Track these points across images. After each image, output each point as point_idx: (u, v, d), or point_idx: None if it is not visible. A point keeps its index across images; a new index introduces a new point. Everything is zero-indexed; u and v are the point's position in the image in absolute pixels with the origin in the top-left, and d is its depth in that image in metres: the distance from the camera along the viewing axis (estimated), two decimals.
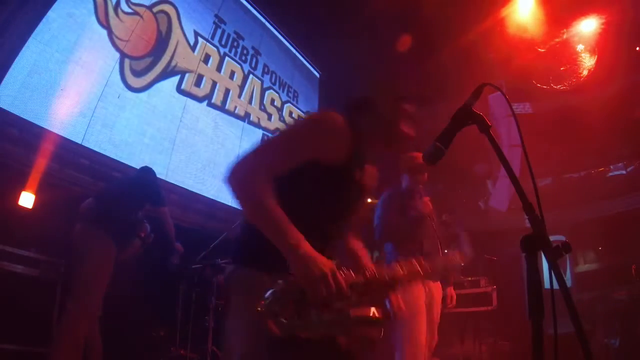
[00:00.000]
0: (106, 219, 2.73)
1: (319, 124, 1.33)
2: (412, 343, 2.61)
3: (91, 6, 3.83)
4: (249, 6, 6.03)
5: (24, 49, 3.26)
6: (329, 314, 1.17)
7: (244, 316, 1.23)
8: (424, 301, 2.73)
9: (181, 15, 4.78)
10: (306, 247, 1.12)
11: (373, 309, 1.27)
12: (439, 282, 2.92)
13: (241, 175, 1.22)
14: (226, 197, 4.97)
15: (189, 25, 4.88)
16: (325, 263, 1.11)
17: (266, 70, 6.16)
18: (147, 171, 3.30)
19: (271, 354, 1.18)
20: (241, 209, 1.25)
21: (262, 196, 1.16)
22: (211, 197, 4.75)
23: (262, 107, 5.95)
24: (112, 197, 2.91)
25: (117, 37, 4.01)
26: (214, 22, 5.31)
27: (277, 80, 6.40)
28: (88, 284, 2.58)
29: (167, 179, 4.16)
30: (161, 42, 4.50)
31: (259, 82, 5.98)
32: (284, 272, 1.15)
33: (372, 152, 1.47)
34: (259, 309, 1.14)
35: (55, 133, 3.40)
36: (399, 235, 2.83)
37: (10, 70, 3.18)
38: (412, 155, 2.89)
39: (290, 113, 6.57)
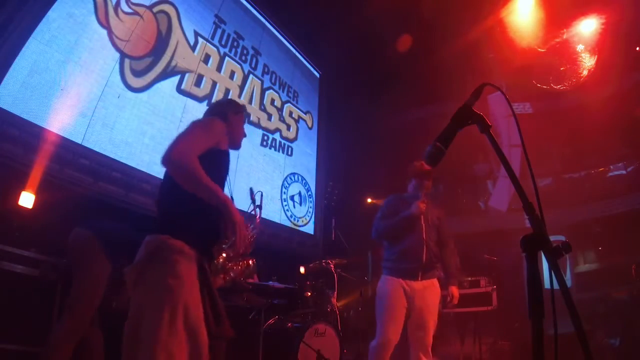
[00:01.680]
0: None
1: (215, 121, 1.87)
2: (378, 334, 2.87)
3: (91, 6, 3.83)
4: (249, 6, 6.03)
5: (24, 49, 3.26)
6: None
7: (180, 276, 1.55)
8: (402, 299, 2.89)
9: (181, 15, 4.78)
10: (230, 201, 1.66)
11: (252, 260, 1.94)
12: (435, 280, 2.99)
13: (179, 154, 1.60)
14: None
15: (189, 25, 4.88)
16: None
17: (266, 70, 6.16)
18: None
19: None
20: (179, 180, 1.64)
21: (197, 168, 1.59)
22: None
23: (262, 107, 5.95)
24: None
25: (117, 37, 4.01)
26: (214, 22, 5.31)
27: (277, 80, 6.40)
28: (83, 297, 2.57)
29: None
30: (161, 42, 4.50)
31: (259, 82, 5.98)
32: (204, 244, 1.66)
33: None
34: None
35: (55, 133, 3.40)
36: (387, 235, 3.04)
37: (10, 70, 3.17)
38: (419, 163, 3.06)
39: (290, 113, 6.57)
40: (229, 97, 5.36)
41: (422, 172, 3.02)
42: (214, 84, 5.15)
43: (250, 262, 1.94)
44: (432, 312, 2.90)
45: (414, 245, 2.93)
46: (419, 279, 2.91)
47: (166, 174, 1.79)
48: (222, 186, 1.85)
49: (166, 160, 1.60)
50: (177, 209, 1.71)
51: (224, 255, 1.72)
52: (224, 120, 1.93)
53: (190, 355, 1.51)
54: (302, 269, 4.59)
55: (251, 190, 2.42)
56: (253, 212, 2.12)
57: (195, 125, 1.80)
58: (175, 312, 1.49)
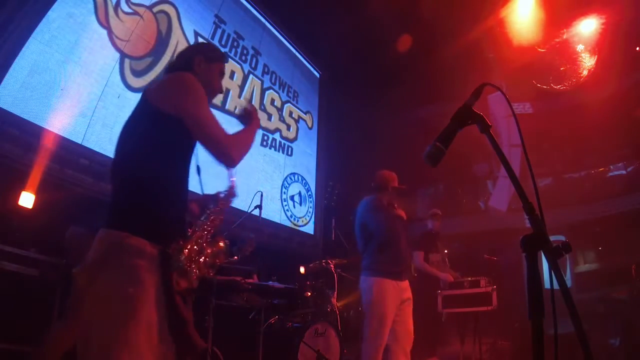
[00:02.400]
0: None
1: (194, 83, 1.53)
2: (375, 337, 2.84)
3: (91, 6, 3.83)
4: (249, 6, 6.03)
5: (24, 49, 3.26)
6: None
7: (142, 284, 1.29)
8: (396, 301, 2.95)
9: (181, 15, 4.78)
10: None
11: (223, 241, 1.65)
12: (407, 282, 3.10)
13: (228, 148, 1.52)
14: None
15: (189, 25, 4.88)
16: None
17: (266, 70, 6.16)
18: None
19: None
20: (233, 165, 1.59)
21: (238, 150, 1.59)
22: None
23: (262, 107, 5.95)
24: None
25: (117, 37, 4.01)
26: (214, 22, 5.31)
27: (277, 80, 6.40)
28: None
29: None
30: (161, 42, 4.50)
31: (259, 82, 5.98)
32: (164, 240, 1.38)
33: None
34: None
35: (55, 133, 3.40)
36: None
37: (10, 70, 3.18)
38: (395, 181, 3.24)
39: (290, 113, 6.57)
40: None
41: (402, 191, 3.21)
42: None
43: (221, 243, 1.63)
44: (411, 310, 3.04)
45: (402, 248, 3.07)
46: (403, 279, 3.05)
47: (122, 152, 1.52)
48: (192, 152, 1.58)
49: (229, 164, 1.58)
50: (138, 197, 1.40)
51: (186, 250, 1.45)
52: (192, 71, 1.60)
53: None
54: (302, 269, 4.58)
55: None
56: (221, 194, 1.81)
57: (194, 104, 1.49)
58: (138, 328, 1.23)
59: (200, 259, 1.52)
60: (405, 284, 3.04)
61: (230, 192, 1.83)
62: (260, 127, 1.77)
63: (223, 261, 1.65)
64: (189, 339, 1.40)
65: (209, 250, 1.56)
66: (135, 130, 1.51)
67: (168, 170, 1.47)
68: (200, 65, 1.65)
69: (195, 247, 1.49)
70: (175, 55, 1.78)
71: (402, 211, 3.19)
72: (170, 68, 1.74)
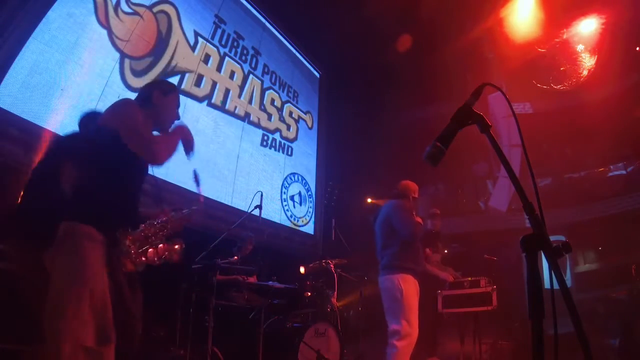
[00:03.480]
0: None
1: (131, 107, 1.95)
2: (406, 333, 3.03)
3: (91, 6, 3.83)
4: (249, 6, 6.03)
5: (24, 49, 3.26)
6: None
7: (85, 260, 1.63)
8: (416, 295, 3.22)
9: (181, 15, 4.78)
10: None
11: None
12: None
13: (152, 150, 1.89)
14: (226, 197, 4.97)
15: (189, 25, 4.88)
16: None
17: (266, 70, 6.16)
18: None
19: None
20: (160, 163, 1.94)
21: (154, 148, 1.92)
22: (211, 197, 4.75)
23: (262, 107, 5.95)
24: None
25: (117, 37, 4.01)
26: (214, 22, 5.31)
27: (277, 80, 6.40)
28: None
29: (167, 179, 4.16)
30: (161, 42, 4.50)
31: (259, 82, 5.98)
32: (113, 228, 1.73)
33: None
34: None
35: (55, 133, 3.40)
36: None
37: (10, 70, 3.17)
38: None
39: (290, 113, 6.57)
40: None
41: (417, 199, 3.49)
42: (214, 84, 5.15)
43: (177, 246, 1.98)
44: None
45: (420, 249, 3.38)
46: (418, 278, 3.30)
47: (65, 157, 2.02)
48: (126, 157, 1.86)
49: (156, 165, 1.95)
50: (89, 193, 1.77)
51: (130, 238, 1.78)
52: (146, 104, 1.98)
53: (97, 334, 1.57)
54: (302, 269, 4.59)
55: (194, 172, 2.34)
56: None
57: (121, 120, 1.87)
58: (81, 294, 1.56)
59: (149, 249, 1.86)
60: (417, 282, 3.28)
61: (188, 214, 2.13)
62: (185, 135, 2.04)
63: (176, 260, 1.97)
64: (128, 310, 1.75)
65: (161, 246, 1.90)
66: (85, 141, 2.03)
67: (108, 173, 1.81)
68: (158, 98, 2.03)
69: (142, 237, 1.83)
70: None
71: (420, 219, 3.42)
72: (136, 99, 2.08)
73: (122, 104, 1.94)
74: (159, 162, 1.92)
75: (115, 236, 1.74)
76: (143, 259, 1.83)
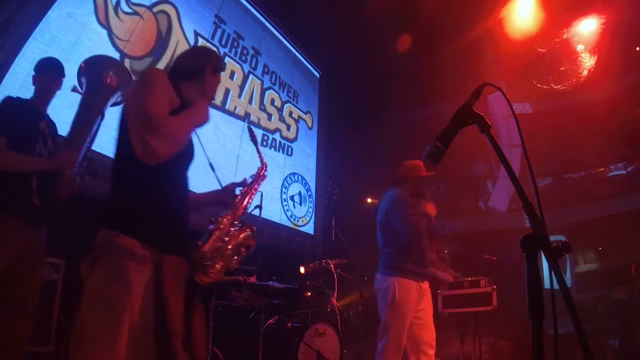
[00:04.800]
0: None
1: (149, 75, 1.52)
2: (395, 339, 2.74)
3: (91, 6, 3.83)
4: (249, 6, 6.03)
5: (23, 49, 3.26)
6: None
7: (126, 284, 1.25)
8: (416, 303, 2.85)
9: (181, 15, 4.78)
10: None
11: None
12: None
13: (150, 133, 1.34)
14: None
15: (189, 25, 4.87)
16: None
17: (266, 70, 6.16)
18: None
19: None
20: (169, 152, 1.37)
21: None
22: None
23: (262, 107, 5.95)
24: None
25: (117, 37, 4.01)
26: (214, 22, 5.31)
27: (277, 80, 6.40)
28: None
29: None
30: (161, 42, 4.50)
31: (259, 82, 5.98)
32: (164, 240, 1.36)
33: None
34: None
35: None
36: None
37: (10, 70, 3.17)
38: (418, 166, 3.00)
39: (290, 113, 6.57)
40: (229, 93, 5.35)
41: (422, 177, 2.95)
42: None
43: (248, 231, 1.64)
44: (432, 311, 2.95)
45: (425, 248, 2.94)
46: (423, 280, 2.94)
47: (117, 154, 1.50)
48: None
49: (148, 155, 1.37)
50: (126, 194, 1.39)
51: (205, 249, 1.42)
52: (190, 77, 1.63)
53: None
54: (302, 269, 4.59)
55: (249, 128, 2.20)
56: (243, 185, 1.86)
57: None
58: (118, 327, 1.21)
59: (226, 252, 1.52)
60: (426, 285, 2.94)
61: (258, 175, 1.89)
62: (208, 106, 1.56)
63: (253, 246, 1.66)
64: (173, 352, 1.30)
65: (234, 242, 1.57)
66: (118, 134, 1.54)
67: (149, 171, 1.35)
68: (209, 74, 1.65)
69: (217, 242, 1.49)
70: (176, 56, 1.73)
71: (431, 205, 2.94)
72: (178, 73, 1.62)
73: (142, 73, 1.58)
74: (156, 154, 1.31)
75: (173, 248, 1.38)
76: (219, 265, 1.48)
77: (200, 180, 1.94)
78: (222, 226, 1.54)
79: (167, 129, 1.32)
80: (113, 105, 2.36)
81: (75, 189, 2.39)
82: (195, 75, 1.61)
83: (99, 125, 2.33)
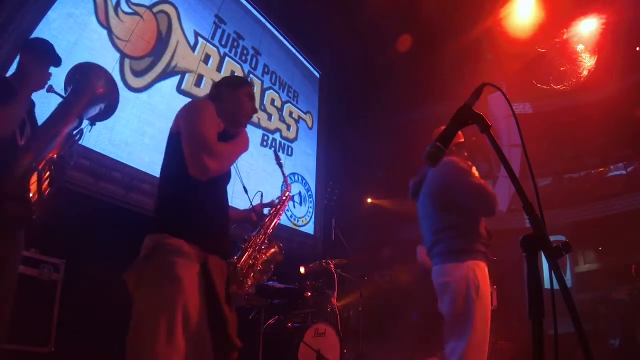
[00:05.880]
0: None
1: (198, 105, 1.74)
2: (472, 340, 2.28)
3: (91, 6, 3.83)
4: (249, 6, 6.03)
5: None
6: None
7: (178, 280, 1.40)
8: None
9: (181, 15, 4.78)
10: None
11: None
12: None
13: (204, 153, 1.57)
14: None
15: (189, 25, 4.88)
16: None
17: (266, 70, 6.16)
18: None
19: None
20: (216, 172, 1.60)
21: (217, 153, 1.61)
22: None
23: (262, 107, 5.95)
24: None
25: (117, 37, 4.01)
26: (214, 22, 5.31)
27: (277, 80, 6.40)
28: None
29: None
30: (161, 42, 4.50)
31: (259, 82, 5.98)
32: (208, 240, 1.54)
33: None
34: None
35: None
36: None
37: (10, 70, 3.17)
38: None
39: (290, 113, 6.57)
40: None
41: (464, 142, 2.51)
42: None
43: (276, 247, 1.90)
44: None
45: (484, 222, 2.48)
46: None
47: (164, 163, 1.69)
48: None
49: (201, 172, 1.56)
50: (175, 202, 1.58)
51: (239, 266, 1.63)
52: (216, 102, 1.79)
53: None
54: (302, 269, 4.59)
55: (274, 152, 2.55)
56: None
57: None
58: (174, 320, 1.34)
59: (257, 268, 1.72)
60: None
61: (284, 197, 2.11)
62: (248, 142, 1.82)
63: (280, 260, 1.89)
64: (228, 337, 1.49)
65: (263, 257, 1.78)
66: (166, 151, 1.71)
67: (196, 185, 1.55)
68: (226, 94, 1.87)
69: (250, 260, 1.69)
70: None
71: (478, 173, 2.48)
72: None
73: (191, 105, 1.73)
74: (208, 172, 1.53)
75: (215, 249, 1.56)
76: (250, 279, 1.69)
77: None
78: (254, 244, 1.76)
79: (219, 151, 1.56)
80: (94, 119, 2.26)
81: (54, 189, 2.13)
82: (216, 100, 1.84)
83: (79, 132, 2.16)
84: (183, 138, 1.57)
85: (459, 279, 2.28)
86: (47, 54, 2.20)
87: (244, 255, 1.69)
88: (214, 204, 1.65)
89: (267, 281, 4.10)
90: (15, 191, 1.92)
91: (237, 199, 5.14)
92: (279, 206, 2.06)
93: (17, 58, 2.18)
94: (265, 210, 2.08)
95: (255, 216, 2.00)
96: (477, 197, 2.34)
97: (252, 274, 1.68)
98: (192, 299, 1.40)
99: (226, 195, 1.79)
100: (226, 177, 1.80)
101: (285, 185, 2.23)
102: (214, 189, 1.67)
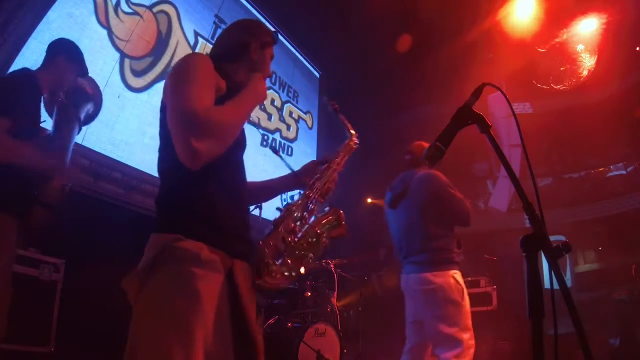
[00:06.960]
0: None
1: (189, 62, 1.26)
2: (468, 342, 2.46)
3: (91, 6, 3.83)
4: (249, 6, 6.03)
5: (23, 49, 3.26)
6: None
7: (195, 296, 1.05)
8: None
9: (181, 15, 4.78)
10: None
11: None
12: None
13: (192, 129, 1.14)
14: None
15: (189, 25, 4.88)
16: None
17: None
18: None
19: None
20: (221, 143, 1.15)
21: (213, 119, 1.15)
22: None
23: (262, 107, 5.95)
24: None
25: (117, 37, 4.01)
26: (214, 22, 5.31)
27: (277, 80, 6.40)
28: None
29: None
30: (161, 42, 4.50)
31: None
32: (233, 241, 1.18)
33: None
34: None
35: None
36: None
37: (10, 70, 3.17)
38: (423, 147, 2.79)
39: (290, 113, 6.57)
40: None
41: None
42: None
43: (332, 215, 1.36)
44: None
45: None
46: None
47: (160, 145, 1.27)
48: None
49: (189, 158, 1.12)
50: (180, 191, 1.18)
51: (267, 250, 1.18)
52: (236, 56, 1.44)
53: None
54: (302, 269, 4.58)
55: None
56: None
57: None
58: (189, 346, 1.00)
59: (297, 246, 1.26)
60: None
61: (347, 145, 1.58)
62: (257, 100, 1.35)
63: (343, 235, 1.37)
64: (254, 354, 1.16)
65: (309, 232, 1.29)
66: (160, 130, 1.31)
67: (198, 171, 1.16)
68: (256, 52, 1.43)
69: (285, 236, 1.24)
70: (220, 38, 1.49)
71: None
72: (220, 57, 1.38)
73: (179, 62, 1.24)
74: (199, 155, 1.07)
75: (240, 250, 1.19)
76: (286, 265, 1.23)
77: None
78: (291, 215, 1.26)
79: (213, 122, 1.10)
80: (84, 122, 2.21)
81: (64, 196, 2.15)
82: (239, 55, 1.41)
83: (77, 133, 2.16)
84: (167, 114, 1.16)
85: (445, 286, 2.42)
86: (83, 65, 2.31)
87: (272, 232, 1.21)
88: (229, 187, 1.23)
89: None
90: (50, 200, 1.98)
91: None
92: (336, 158, 1.53)
93: (55, 55, 2.25)
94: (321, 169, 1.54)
95: (305, 178, 1.48)
96: (459, 210, 2.55)
97: (288, 257, 1.23)
98: (214, 320, 1.07)
99: (243, 171, 1.35)
100: (239, 146, 1.34)
101: (349, 133, 1.62)
102: (225, 167, 1.23)
